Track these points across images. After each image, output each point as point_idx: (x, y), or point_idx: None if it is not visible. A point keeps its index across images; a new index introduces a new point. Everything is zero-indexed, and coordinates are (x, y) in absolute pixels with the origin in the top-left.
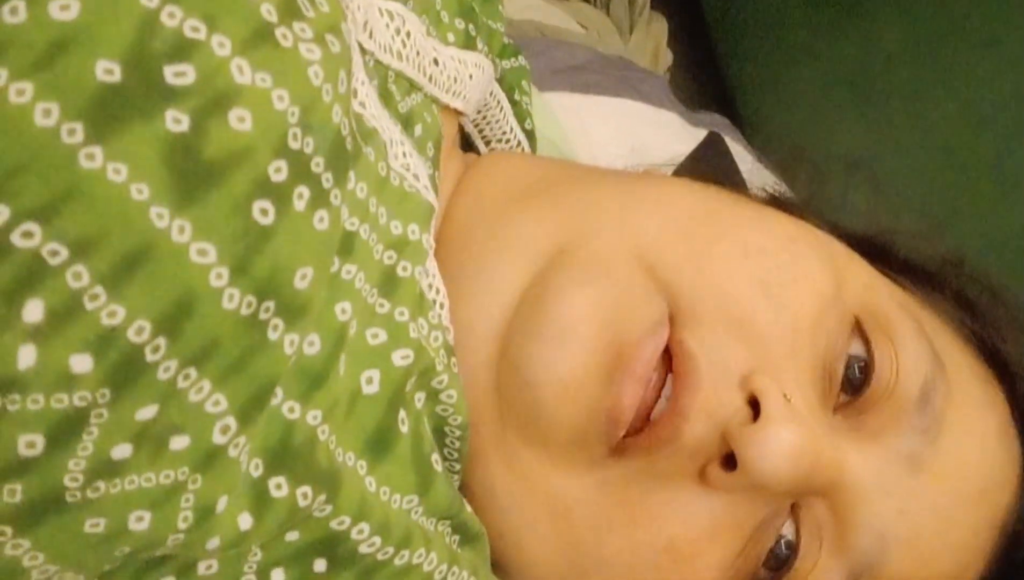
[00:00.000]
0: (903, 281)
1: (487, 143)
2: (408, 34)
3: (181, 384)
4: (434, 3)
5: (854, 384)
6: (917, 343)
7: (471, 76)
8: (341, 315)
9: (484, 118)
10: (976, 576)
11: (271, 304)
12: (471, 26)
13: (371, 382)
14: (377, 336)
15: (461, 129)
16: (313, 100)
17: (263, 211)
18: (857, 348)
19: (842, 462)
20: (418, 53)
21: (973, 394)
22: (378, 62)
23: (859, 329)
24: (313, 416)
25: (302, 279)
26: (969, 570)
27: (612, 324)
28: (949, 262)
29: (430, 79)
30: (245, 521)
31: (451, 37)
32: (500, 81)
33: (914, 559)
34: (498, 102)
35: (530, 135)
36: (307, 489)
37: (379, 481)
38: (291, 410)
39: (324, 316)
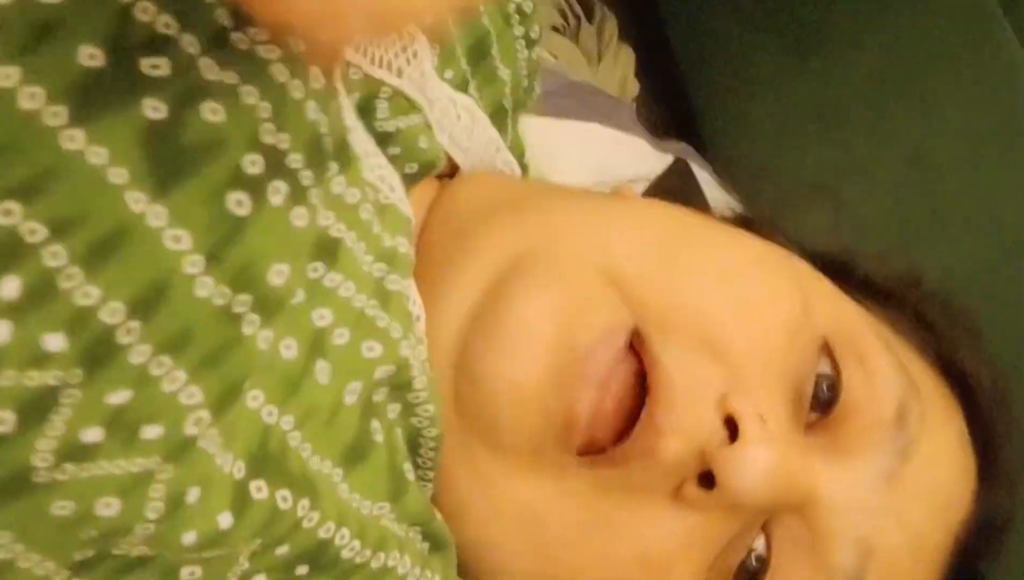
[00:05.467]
0: (864, 299)
1: None
2: (415, 54)
3: (155, 371)
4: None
5: (822, 402)
6: (890, 365)
7: (459, 117)
8: (319, 321)
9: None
10: None
11: (246, 298)
12: (470, 70)
13: (353, 393)
14: (373, 349)
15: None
16: (282, 96)
17: (238, 202)
18: (825, 367)
19: (815, 480)
20: (422, 74)
21: (937, 410)
22: (367, 75)
23: (827, 350)
24: (286, 422)
25: (278, 275)
26: None
27: (566, 328)
28: (908, 281)
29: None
30: (225, 520)
31: (448, 73)
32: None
33: (890, 575)
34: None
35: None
36: (286, 493)
37: (351, 488)
38: (270, 414)
39: (299, 320)
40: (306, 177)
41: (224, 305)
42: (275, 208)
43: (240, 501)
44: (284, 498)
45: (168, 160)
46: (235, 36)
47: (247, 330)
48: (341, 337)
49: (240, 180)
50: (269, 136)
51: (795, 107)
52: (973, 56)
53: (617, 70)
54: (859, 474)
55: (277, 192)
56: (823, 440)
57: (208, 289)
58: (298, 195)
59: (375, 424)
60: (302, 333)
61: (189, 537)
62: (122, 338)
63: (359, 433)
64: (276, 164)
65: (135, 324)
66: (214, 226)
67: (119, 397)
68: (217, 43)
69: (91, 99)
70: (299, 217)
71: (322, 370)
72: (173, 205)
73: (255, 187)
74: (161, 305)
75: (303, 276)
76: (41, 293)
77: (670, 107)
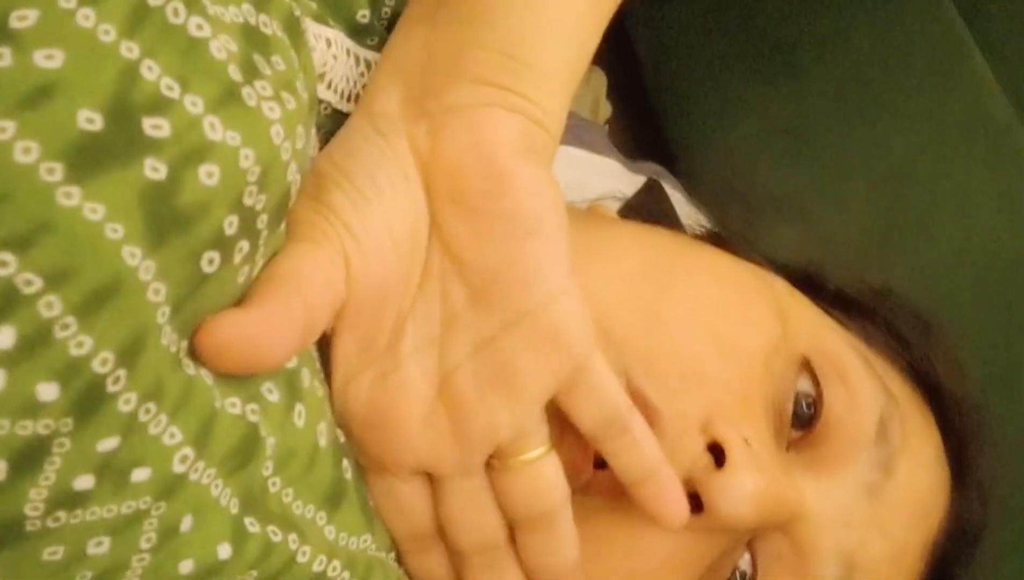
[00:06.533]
0: (836, 312)
1: None
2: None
3: (143, 418)
4: None
5: (803, 420)
6: (870, 380)
7: None
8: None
9: None
10: None
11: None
12: None
13: (321, 434)
14: (318, 389)
15: None
16: (273, 160)
17: (210, 261)
18: (805, 385)
19: (800, 498)
20: None
21: (915, 421)
22: (336, 111)
23: (808, 368)
24: (266, 467)
25: None
26: None
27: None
28: (879, 293)
29: None
30: (224, 550)
31: None
32: None
33: None
34: None
35: None
36: (274, 527)
37: (338, 528)
38: None
39: None
40: (263, 237)
41: (175, 352)
42: (233, 266)
43: (238, 533)
44: (274, 532)
45: (164, 219)
46: (246, 91)
47: (191, 372)
48: (305, 379)
49: (218, 240)
50: (250, 198)
51: (765, 127)
52: (938, 70)
53: (589, 94)
54: (842, 489)
55: (240, 251)
56: (806, 457)
57: (168, 337)
58: (253, 253)
59: (345, 463)
60: (278, 377)
61: (186, 565)
62: (111, 387)
63: (335, 475)
64: (248, 225)
65: (122, 373)
66: (186, 281)
67: (108, 444)
68: (225, 101)
69: (88, 159)
70: (243, 275)
71: (299, 414)
72: (160, 261)
73: (226, 247)
74: (141, 355)
75: None
76: (36, 343)
77: (642, 129)
